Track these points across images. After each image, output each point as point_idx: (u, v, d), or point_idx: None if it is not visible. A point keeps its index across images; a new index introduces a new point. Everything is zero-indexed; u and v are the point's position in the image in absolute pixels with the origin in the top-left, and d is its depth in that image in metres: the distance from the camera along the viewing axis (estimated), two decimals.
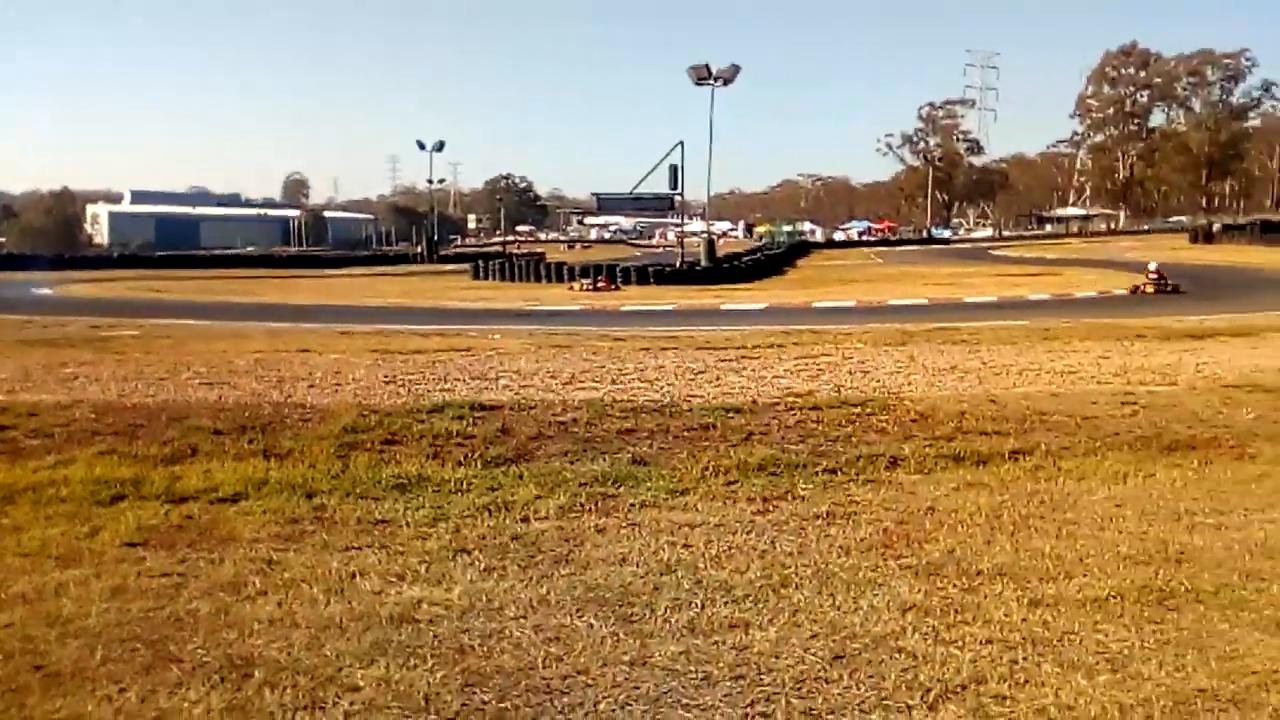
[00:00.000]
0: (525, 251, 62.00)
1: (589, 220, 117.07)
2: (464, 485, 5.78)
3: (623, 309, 23.91)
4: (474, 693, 3.20)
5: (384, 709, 3.09)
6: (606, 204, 50.53)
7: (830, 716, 3.06)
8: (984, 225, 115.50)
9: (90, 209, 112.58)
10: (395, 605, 3.92)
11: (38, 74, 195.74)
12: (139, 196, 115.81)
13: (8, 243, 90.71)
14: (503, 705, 3.12)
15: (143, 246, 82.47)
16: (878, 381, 9.60)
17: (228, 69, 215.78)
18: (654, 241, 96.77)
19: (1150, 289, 24.39)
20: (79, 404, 8.07)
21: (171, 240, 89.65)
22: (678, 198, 43.47)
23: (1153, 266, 25.68)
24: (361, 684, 3.24)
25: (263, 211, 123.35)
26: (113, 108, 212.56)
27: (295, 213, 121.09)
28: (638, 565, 4.40)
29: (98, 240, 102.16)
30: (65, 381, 9.58)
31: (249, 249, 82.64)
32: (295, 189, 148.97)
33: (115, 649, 3.51)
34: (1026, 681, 3.25)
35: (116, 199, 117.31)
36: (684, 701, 3.14)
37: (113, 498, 5.45)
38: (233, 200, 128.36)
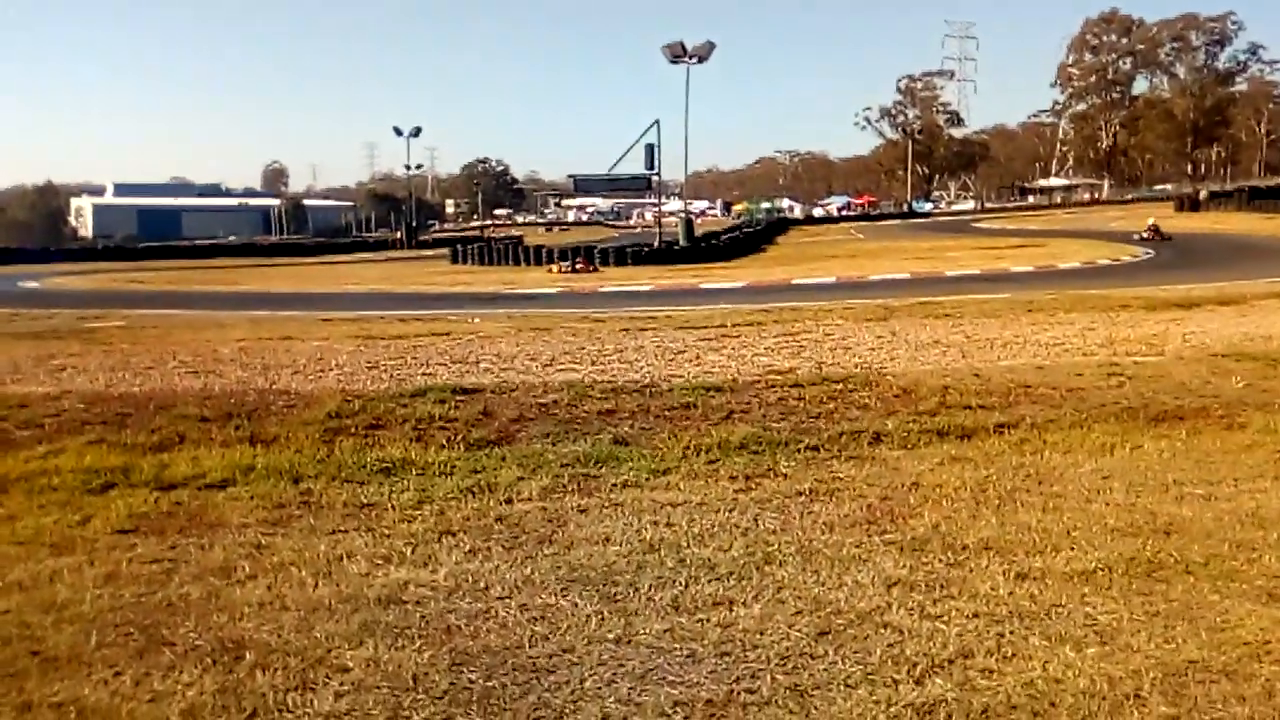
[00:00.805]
0: (503, 235, 61.85)
1: (567, 203, 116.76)
2: (448, 468, 5.83)
3: (601, 290, 23.89)
4: (461, 672, 3.25)
5: (373, 689, 3.14)
6: (583, 185, 50.32)
7: (816, 692, 3.10)
8: (965, 198, 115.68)
9: (74, 202, 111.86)
10: (383, 587, 3.98)
11: (18, 69, 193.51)
12: (121, 189, 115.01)
13: None
14: (490, 684, 3.18)
15: (126, 238, 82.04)
16: (859, 358, 9.64)
17: (205, 60, 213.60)
18: (632, 222, 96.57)
19: (1149, 235, 34.41)
20: (68, 395, 8.05)
21: (154, 231, 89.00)
22: (655, 178, 43.30)
23: (1150, 222, 35.84)
24: (351, 665, 3.30)
25: (243, 201, 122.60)
26: (93, 101, 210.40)
27: (275, 202, 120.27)
28: (621, 545, 4.46)
29: (82, 233, 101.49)
30: (54, 373, 9.55)
31: (231, 239, 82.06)
32: (275, 178, 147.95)
33: (109, 634, 3.56)
34: (1014, 655, 3.29)
35: (99, 191, 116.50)
36: (669, 678, 3.20)
37: (103, 486, 5.49)
38: (213, 191, 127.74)
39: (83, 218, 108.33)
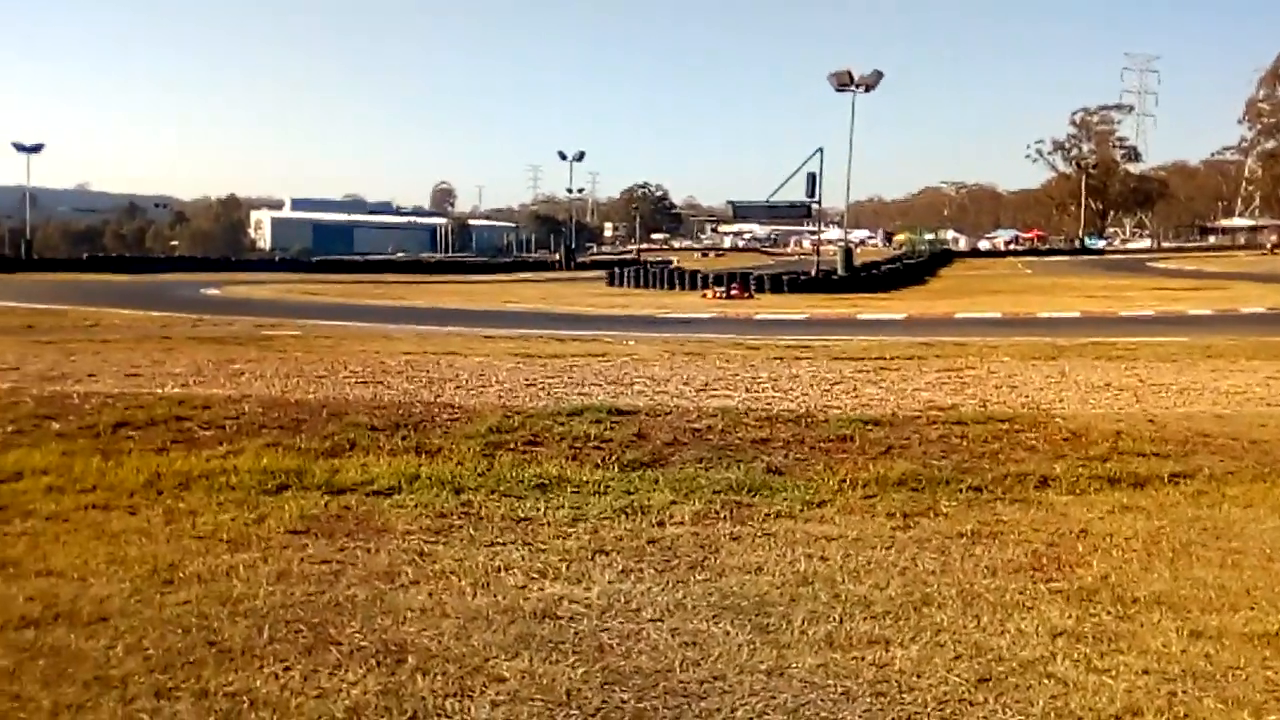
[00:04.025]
0: (659, 259, 62.40)
1: (723, 228, 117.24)
2: (602, 487, 5.90)
3: (756, 317, 23.80)
4: (614, 691, 3.27)
5: (527, 700, 3.19)
6: (742, 211, 50.49)
7: None
8: (1141, 236, 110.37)
9: (254, 215, 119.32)
10: (538, 601, 4.05)
11: (208, 89, 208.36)
12: (299, 204, 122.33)
13: (179, 245, 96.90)
14: (641, 705, 3.18)
15: (301, 251, 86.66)
16: (1026, 397, 9.30)
17: (381, 84, 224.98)
18: (789, 250, 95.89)
19: None
20: (247, 398, 8.54)
21: (328, 245, 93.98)
22: (815, 205, 42.98)
23: None
24: (507, 675, 3.36)
25: (412, 219, 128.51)
26: (276, 120, 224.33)
27: (442, 220, 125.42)
28: (774, 575, 4.41)
29: (260, 244, 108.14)
30: (233, 377, 10.14)
31: (399, 255, 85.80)
32: (442, 198, 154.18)
33: (280, 629, 3.73)
34: (1186, 716, 3.12)
35: (278, 206, 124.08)
36: (822, 715, 3.14)
37: (278, 487, 5.77)
38: (384, 208, 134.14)
39: (261, 230, 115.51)
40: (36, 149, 62.10)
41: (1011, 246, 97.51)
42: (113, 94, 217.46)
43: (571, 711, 3.14)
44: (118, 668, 3.37)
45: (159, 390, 9.00)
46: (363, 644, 3.60)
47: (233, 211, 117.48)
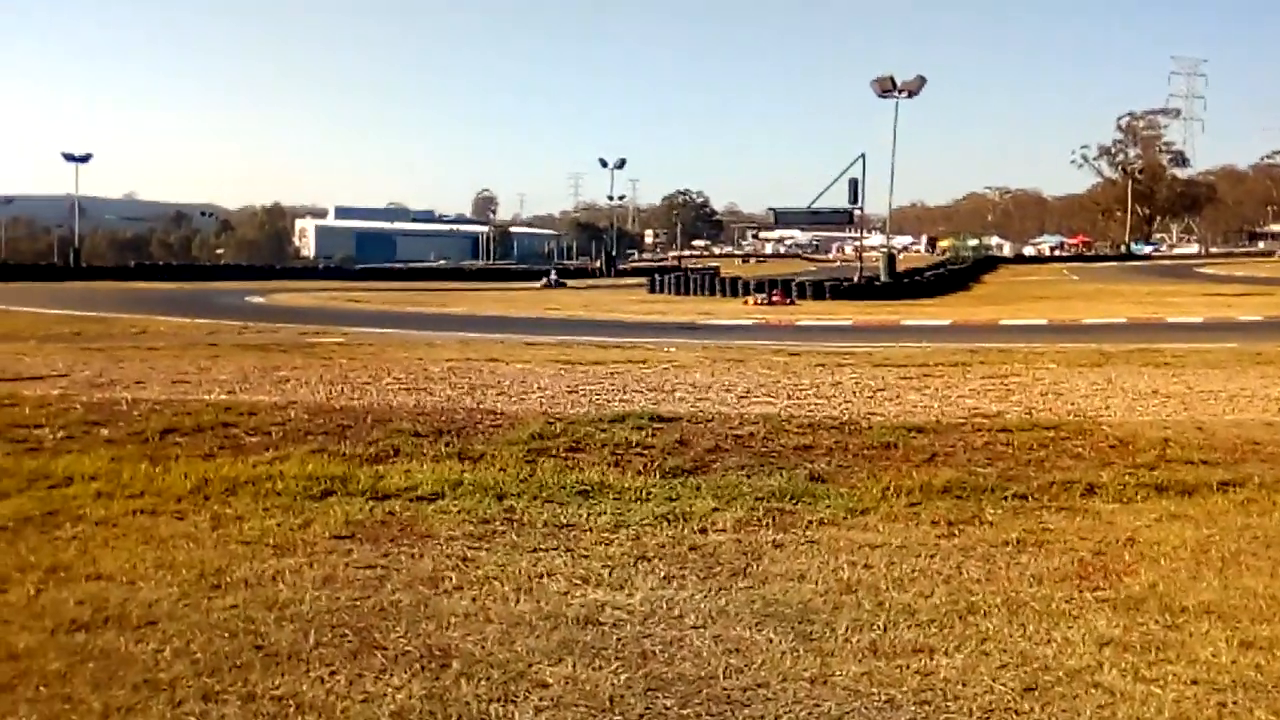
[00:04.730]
0: (700, 266, 62.35)
1: (764, 235, 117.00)
2: (644, 494, 5.89)
3: (798, 324, 23.70)
4: (657, 697, 3.27)
5: (571, 706, 3.20)
6: (784, 218, 50.40)
7: None
8: (1188, 242, 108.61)
9: (298, 223, 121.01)
10: (581, 607, 4.06)
11: (259, 98, 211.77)
12: (342, 212, 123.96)
13: (225, 254, 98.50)
14: (684, 712, 3.18)
15: (345, 259, 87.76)
16: (1072, 404, 9.19)
17: (423, 92, 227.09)
18: (830, 256, 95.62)
19: None
20: (292, 405, 8.65)
21: (371, 253, 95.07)
22: (857, 211, 42.76)
23: None
24: (550, 681, 3.37)
25: (454, 227, 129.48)
26: (320, 129, 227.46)
27: (484, 228, 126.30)
28: (817, 583, 4.39)
29: (304, 252, 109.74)
30: (279, 384, 10.29)
31: (441, 262, 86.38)
32: (484, 206, 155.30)
33: (326, 634, 3.76)
34: None
35: (322, 214, 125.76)
36: None
37: (323, 493, 5.81)
38: (427, 216, 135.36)
39: (305, 238, 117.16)
40: (85, 159, 63.39)
41: (1056, 252, 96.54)
42: (159, 104, 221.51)
43: (615, 717, 3.15)
44: (166, 671, 3.42)
45: (206, 397, 9.16)
46: (407, 649, 3.63)
47: (277, 220, 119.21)
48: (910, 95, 39.04)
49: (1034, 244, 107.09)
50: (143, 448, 7.03)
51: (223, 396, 9.20)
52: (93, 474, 6.16)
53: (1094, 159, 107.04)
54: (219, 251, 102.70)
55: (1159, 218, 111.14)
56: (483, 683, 3.35)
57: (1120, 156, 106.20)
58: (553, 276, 54.80)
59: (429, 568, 4.55)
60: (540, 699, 3.25)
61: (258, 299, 35.86)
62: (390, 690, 3.31)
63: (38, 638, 3.70)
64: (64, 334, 17.98)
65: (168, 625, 3.82)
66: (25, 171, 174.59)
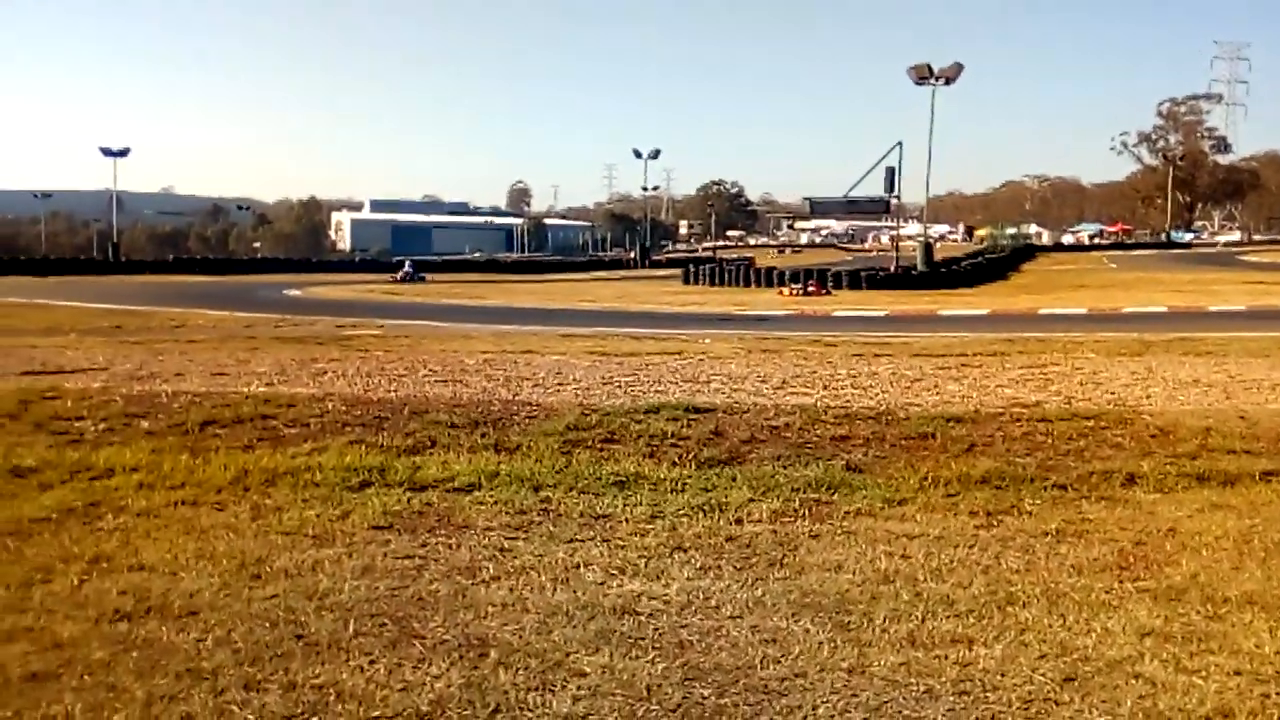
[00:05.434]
0: (735, 256, 62.22)
1: (799, 225, 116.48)
2: (679, 485, 5.88)
3: (834, 314, 23.59)
4: (694, 687, 3.27)
5: (608, 695, 3.21)
6: (820, 208, 50.19)
7: None
8: (1230, 229, 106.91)
9: (334, 216, 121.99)
10: (617, 597, 4.06)
11: (294, 93, 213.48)
12: (377, 205, 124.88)
13: (262, 247, 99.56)
14: (722, 701, 3.18)
15: (380, 252, 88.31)
16: (1112, 393, 9.07)
17: (460, 86, 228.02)
18: (866, 246, 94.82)
19: None
20: (330, 397, 8.73)
21: (406, 246, 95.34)
22: (893, 200, 42.44)
23: None
24: (587, 670, 3.38)
25: (489, 219, 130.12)
26: (355, 122, 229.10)
27: (518, 220, 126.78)
28: (854, 574, 4.36)
29: (341, 245, 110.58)
30: (316, 376, 10.38)
31: (476, 254, 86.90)
32: (518, 198, 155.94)
33: (365, 623, 3.79)
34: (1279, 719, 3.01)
35: (357, 207, 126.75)
36: (905, 713, 3.10)
37: (361, 484, 5.85)
38: (461, 208, 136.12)
39: (342, 231, 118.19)
40: (123, 153, 64.19)
41: (1096, 241, 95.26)
42: (197, 99, 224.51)
43: (652, 707, 3.15)
44: (208, 660, 3.46)
45: (245, 389, 9.25)
46: (445, 638, 3.65)
47: (313, 213, 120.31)
48: (948, 82, 38.65)
49: (1073, 232, 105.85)
50: (183, 439, 7.12)
51: (261, 389, 9.29)
52: (134, 465, 6.23)
53: (1134, 146, 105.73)
54: (256, 245, 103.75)
55: (1200, 205, 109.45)
56: (520, 672, 3.37)
57: (1161, 143, 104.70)
58: (408, 268, 50.59)
59: (466, 558, 4.58)
60: (578, 688, 3.26)
61: (294, 292, 36.20)
62: (429, 679, 3.33)
63: (81, 627, 3.76)
64: (104, 327, 18.26)
65: (209, 615, 3.87)
66: (64, 166, 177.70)
